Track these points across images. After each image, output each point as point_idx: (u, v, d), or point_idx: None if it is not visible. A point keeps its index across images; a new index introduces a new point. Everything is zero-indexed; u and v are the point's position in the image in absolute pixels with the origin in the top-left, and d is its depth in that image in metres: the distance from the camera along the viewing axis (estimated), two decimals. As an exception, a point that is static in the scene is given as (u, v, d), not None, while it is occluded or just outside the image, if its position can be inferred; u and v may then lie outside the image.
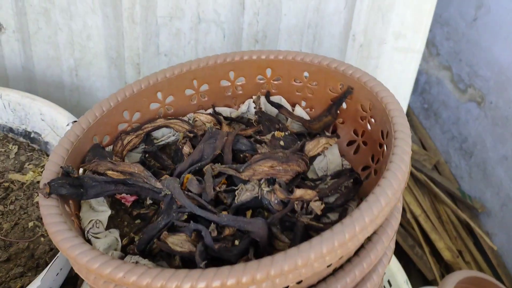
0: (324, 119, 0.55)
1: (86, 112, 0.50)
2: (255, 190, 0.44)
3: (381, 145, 0.49)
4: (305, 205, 0.42)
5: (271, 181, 0.44)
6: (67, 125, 0.67)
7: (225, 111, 0.59)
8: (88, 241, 0.43)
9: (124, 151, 0.52)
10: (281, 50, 0.56)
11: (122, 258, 0.43)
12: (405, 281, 0.74)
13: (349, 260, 0.42)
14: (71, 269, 0.59)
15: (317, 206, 0.40)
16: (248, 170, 0.44)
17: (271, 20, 0.84)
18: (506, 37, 1.07)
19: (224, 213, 0.42)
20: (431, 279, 1.05)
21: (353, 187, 0.47)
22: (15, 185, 0.67)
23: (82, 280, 0.63)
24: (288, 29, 0.85)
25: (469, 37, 1.21)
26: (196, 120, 0.55)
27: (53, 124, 0.69)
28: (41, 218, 0.62)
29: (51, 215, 0.39)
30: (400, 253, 1.12)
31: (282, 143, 0.48)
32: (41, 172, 0.69)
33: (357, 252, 0.42)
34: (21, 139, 0.74)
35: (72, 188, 0.42)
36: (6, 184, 0.67)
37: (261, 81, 0.58)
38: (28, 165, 0.70)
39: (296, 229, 0.41)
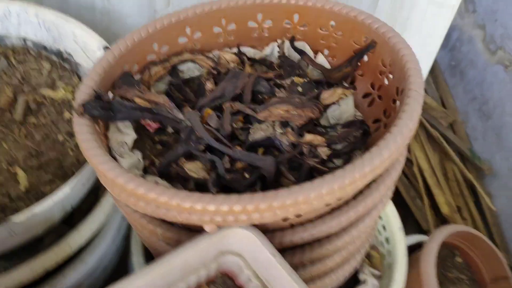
0: (344, 70, 0.57)
1: (118, 40, 0.52)
2: (268, 130, 0.47)
3: (394, 101, 0.51)
4: (313, 149, 0.45)
5: (284, 124, 0.48)
6: (99, 50, 0.70)
7: (249, 51, 0.61)
8: (114, 158, 0.48)
9: (151, 81, 0.55)
10: (311, -4, 0.56)
11: (143, 177, 0.48)
12: (399, 228, 0.79)
13: (346, 203, 0.46)
14: (94, 180, 0.65)
15: (323, 151, 0.44)
16: (264, 111, 0.48)
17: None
18: (548, 1, 1.03)
19: (238, 148, 0.45)
20: (425, 229, 1.10)
21: (361, 138, 0.50)
22: (47, 101, 0.72)
23: (103, 191, 0.69)
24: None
25: (510, -4, 1.16)
26: (220, 58, 0.57)
27: (85, 47, 0.72)
28: (71, 134, 0.68)
29: (84, 133, 0.44)
30: (401, 203, 1.17)
31: (300, 89, 0.51)
32: (72, 91, 0.73)
33: (356, 196, 0.46)
34: (54, 57, 0.78)
35: (103, 111, 0.46)
36: (39, 99, 0.72)
37: (288, 26, 0.59)
38: (60, 83, 0.75)
39: (302, 170, 0.45)
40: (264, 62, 0.60)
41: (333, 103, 0.53)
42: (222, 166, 0.43)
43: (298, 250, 0.49)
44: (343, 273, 0.60)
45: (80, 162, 0.65)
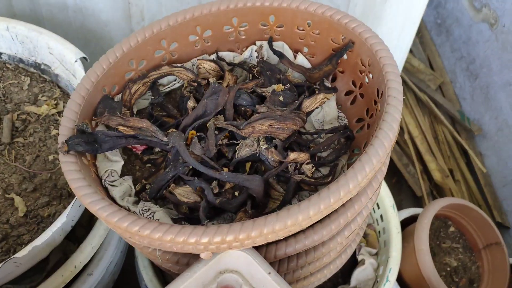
0: (325, 68, 0.57)
1: (93, 64, 0.52)
2: (254, 146, 0.48)
3: (376, 102, 0.52)
4: (298, 166, 0.46)
5: (269, 139, 0.48)
6: (75, 61, 0.68)
7: (228, 55, 0.60)
8: (105, 188, 0.49)
9: (132, 99, 0.55)
10: (285, -4, 0.55)
11: (136, 202, 0.49)
12: (392, 206, 0.81)
13: (336, 210, 0.47)
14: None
15: (308, 169, 0.45)
16: (247, 127, 0.48)
17: None
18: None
19: (225, 170, 0.46)
20: (419, 196, 1.13)
21: (345, 143, 0.51)
22: (31, 117, 0.72)
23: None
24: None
25: (493, -50, 1.13)
26: (199, 68, 0.57)
27: (62, 58, 0.71)
28: (60, 152, 0.68)
29: (72, 172, 0.44)
30: (394, 170, 1.19)
31: (281, 98, 0.51)
32: (55, 105, 0.73)
33: (345, 203, 0.47)
34: (32, 69, 0.77)
35: (87, 145, 0.46)
36: (23, 116, 0.71)
37: (264, 27, 0.58)
38: (42, 97, 0.74)
39: (289, 185, 0.46)
40: (243, 66, 0.59)
41: (316, 107, 0.53)
42: (211, 193, 0.44)
43: (294, 256, 0.51)
44: (341, 261, 0.63)
45: (73, 178, 0.66)
